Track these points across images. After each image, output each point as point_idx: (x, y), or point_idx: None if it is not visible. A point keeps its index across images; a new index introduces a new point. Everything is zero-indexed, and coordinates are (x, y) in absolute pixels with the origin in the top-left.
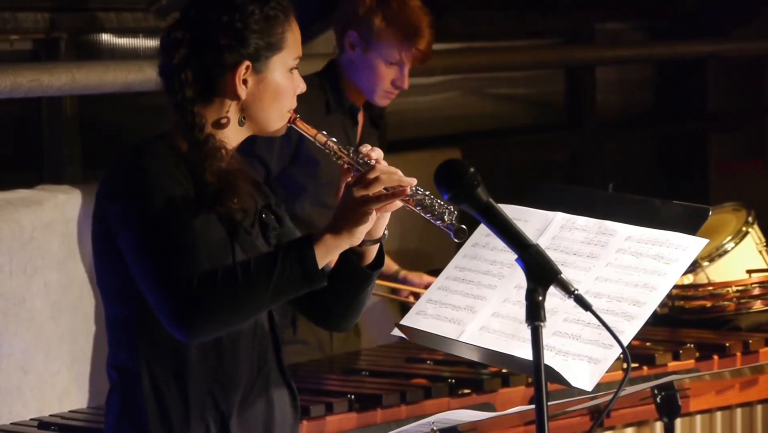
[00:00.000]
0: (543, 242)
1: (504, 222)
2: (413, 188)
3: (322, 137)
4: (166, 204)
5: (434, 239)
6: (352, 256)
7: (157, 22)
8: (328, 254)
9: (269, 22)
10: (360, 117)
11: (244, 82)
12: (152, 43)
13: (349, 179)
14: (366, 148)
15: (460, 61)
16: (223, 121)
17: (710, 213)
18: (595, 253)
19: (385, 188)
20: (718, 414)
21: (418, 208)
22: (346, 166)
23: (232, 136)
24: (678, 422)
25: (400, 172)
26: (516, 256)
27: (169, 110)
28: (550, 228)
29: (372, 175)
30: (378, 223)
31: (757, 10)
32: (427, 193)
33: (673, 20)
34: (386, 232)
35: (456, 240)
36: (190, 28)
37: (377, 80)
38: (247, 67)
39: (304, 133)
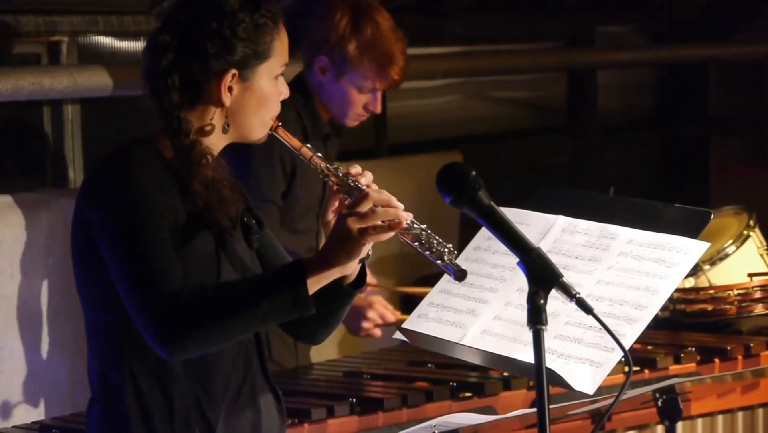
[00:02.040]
0: (544, 246)
1: (505, 225)
2: (409, 222)
3: (307, 151)
4: (152, 216)
5: None
6: None
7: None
8: (319, 282)
9: (258, 31)
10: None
11: (230, 89)
12: None
13: (337, 203)
14: (356, 169)
15: (461, 64)
16: (208, 128)
17: (712, 217)
18: (596, 256)
19: (381, 220)
20: (720, 417)
21: (415, 243)
22: (335, 187)
23: (216, 142)
24: (679, 425)
25: (394, 201)
26: (517, 259)
27: (152, 114)
28: (551, 231)
29: (367, 207)
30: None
31: (759, 13)
32: (424, 227)
33: (675, 23)
34: (370, 252)
35: (457, 282)
36: (178, 33)
37: (349, 106)
38: (234, 75)
39: (286, 143)
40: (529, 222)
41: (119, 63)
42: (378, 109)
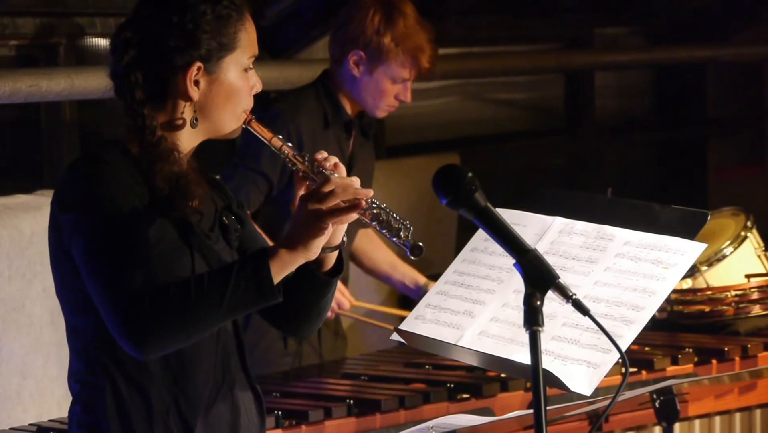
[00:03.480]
0: (541, 247)
1: (502, 227)
2: (369, 201)
3: (277, 141)
4: (117, 215)
5: (435, 243)
6: (311, 264)
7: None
8: (284, 269)
9: (221, 22)
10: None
11: (196, 83)
12: None
13: (303, 190)
14: (322, 155)
15: (459, 66)
16: (178, 122)
17: (709, 218)
18: (593, 257)
19: (341, 201)
20: (717, 419)
21: (374, 222)
22: (301, 174)
23: (186, 138)
24: (677, 426)
25: (357, 184)
26: (514, 261)
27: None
28: (548, 233)
29: (327, 189)
30: (336, 231)
31: (757, 15)
32: (383, 206)
33: (672, 25)
34: (345, 239)
35: (412, 257)
36: (139, 29)
37: (383, 97)
38: (199, 68)
39: (258, 135)
40: (526, 223)
41: None
42: (408, 98)
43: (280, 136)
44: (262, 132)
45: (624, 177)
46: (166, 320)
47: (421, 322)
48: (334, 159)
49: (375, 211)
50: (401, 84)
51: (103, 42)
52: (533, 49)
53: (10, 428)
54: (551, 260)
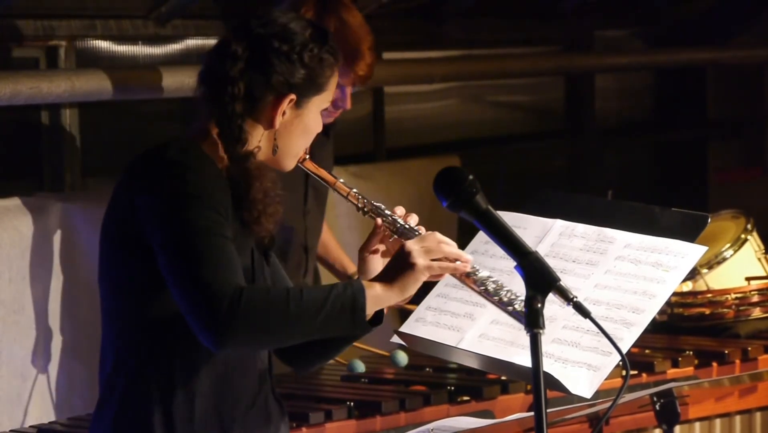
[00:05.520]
0: (542, 250)
1: (503, 229)
2: (473, 267)
3: (343, 187)
4: (213, 209)
5: None
6: None
7: (156, 29)
8: (377, 304)
9: (321, 63)
10: None
11: (283, 113)
12: (151, 50)
13: (378, 242)
14: (401, 211)
15: (459, 68)
16: (257, 148)
17: (709, 220)
18: (594, 260)
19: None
20: (717, 421)
21: (481, 288)
22: (383, 227)
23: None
24: (677, 429)
25: (455, 246)
26: (515, 263)
27: (199, 117)
28: (549, 235)
29: (434, 243)
30: None
31: (757, 17)
32: (487, 274)
33: (673, 28)
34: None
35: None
36: (251, 46)
37: None
38: (291, 100)
39: (316, 177)
40: (526, 226)
41: (117, 67)
42: (348, 106)
43: (343, 181)
44: (319, 172)
45: (624, 179)
46: (259, 323)
47: (421, 324)
48: (416, 217)
49: (482, 278)
50: (338, 90)
51: (104, 44)
52: (534, 52)
53: (11, 430)
54: (552, 262)
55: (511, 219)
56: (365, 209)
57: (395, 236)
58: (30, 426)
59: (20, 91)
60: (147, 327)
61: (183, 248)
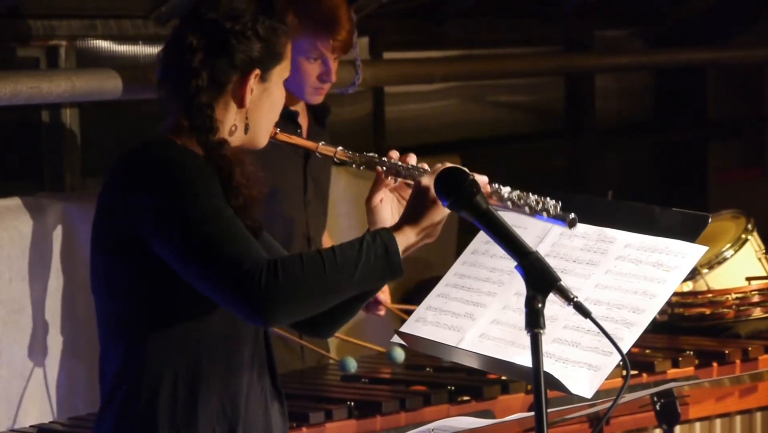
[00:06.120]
0: (542, 249)
1: (503, 229)
2: (492, 186)
3: (328, 148)
4: (212, 195)
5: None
6: None
7: (157, 29)
8: (407, 247)
9: (276, 32)
10: (303, 120)
11: (251, 90)
12: (152, 50)
13: (382, 189)
14: (396, 154)
15: (459, 68)
16: (232, 128)
17: (710, 220)
18: (594, 260)
19: None
20: (718, 421)
21: (509, 203)
22: (383, 173)
23: (234, 143)
24: (677, 429)
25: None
26: (515, 263)
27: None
28: (549, 235)
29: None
30: None
31: (757, 18)
32: (510, 189)
33: (673, 28)
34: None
35: (570, 229)
36: (205, 33)
37: (302, 78)
38: (256, 75)
39: (291, 145)
40: (526, 226)
41: (118, 67)
42: (333, 78)
43: (323, 142)
44: (295, 141)
45: (624, 179)
46: (302, 289)
47: (421, 324)
48: (413, 156)
49: (504, 194)
50: (320, 62)
51: (104, 44)
52: (534, 52)
53: (11, 430)
54: (552, 262)
55: (512, 219)
56: (358, 163)
57: (398, 180)
58: (30, 426)
59: (20, 90)
60: (147, 330)
61: (201, 240)
